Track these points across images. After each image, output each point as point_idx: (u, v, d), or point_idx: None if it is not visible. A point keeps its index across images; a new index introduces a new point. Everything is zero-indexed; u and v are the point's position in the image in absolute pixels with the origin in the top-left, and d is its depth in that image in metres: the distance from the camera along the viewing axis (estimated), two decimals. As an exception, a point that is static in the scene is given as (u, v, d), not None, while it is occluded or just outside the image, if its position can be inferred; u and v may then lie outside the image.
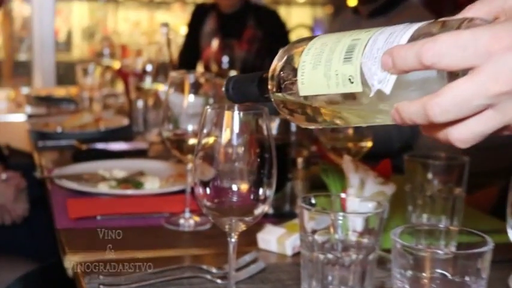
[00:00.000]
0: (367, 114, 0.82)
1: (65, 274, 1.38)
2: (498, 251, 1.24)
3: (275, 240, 1.41)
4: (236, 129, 1.06)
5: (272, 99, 0.90)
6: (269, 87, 0.90)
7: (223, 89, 1.00)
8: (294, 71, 0.85)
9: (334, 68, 0.79)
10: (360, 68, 0.77)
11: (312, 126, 0.91)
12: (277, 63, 0.89)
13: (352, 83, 0.77)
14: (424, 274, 0.86)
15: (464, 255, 0.86)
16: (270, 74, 0.90)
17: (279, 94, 0.88)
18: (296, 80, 0.84)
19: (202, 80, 1.60)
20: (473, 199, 2.13)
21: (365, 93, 0.77)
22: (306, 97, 0.84)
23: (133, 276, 1.25)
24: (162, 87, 2.51)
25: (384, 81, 0.74)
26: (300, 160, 1.66)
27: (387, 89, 0.74)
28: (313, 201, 1.09)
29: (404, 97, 0.74)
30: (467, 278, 0.85)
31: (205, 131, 1.08)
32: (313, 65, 0.82)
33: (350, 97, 0.79)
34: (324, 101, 0.83)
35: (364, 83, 0.76)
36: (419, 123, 0.74)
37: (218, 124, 1.07)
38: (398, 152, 2.66)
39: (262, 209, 1.07)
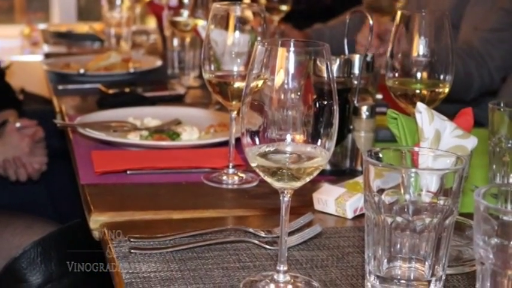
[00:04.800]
0: None
1: (89, 236, 1.40)
2: None
3: (333, 201, 1.41)
4: (291, 70, 1.06)
5: None
6: None
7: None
8: None
9: None
10: None
11: None
12: None
13: None
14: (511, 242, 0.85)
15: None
16: None
17: None
18: None
19: (249, 13, 1.59)
20: None
21: None
22: None
23: (168, 239, 1.27)
24: (201, 23, 2.51)
25: None
26: (364, 108, 1.65)
27: None
28: (380, 155, 1.08)
29: None
30: None
31: (254, 72, 1.07)
32: None
33: None
34: None
35: None
36: None
37: (270, 64, 1.06)
38: (474, 99, 2.67)
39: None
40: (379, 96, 2.00)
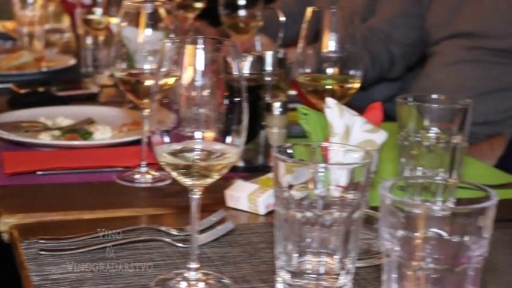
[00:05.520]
0: None
1: (-1, 239, 1.38)
2: (504, 208, 1.25)
3: (246, 197, 1.41)
4: (200, 67, 1.05)
5: None
6: None
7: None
8: None
9: None
10: None
11: None
12: None
13: None
14: (416, 234, 0.87)
15: (464, 211, 0.86)
16: None
17: None
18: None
19: (162, 11, 1.58)
20: (477, 149, 2.14)
21: None
22: None
23: (79, 240, 1.25)
24: (115, 21, 2.48)
25: None
26: (276, 105, 1.66)
27: None
28: (290, 151, 1.09)
29: None
30: (466, 238, 0.86)
31: (163, 69, 1.07)
32: None
33: None
34: None
35: None
36: None
37: (179, 61, 1.06)
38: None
39: (230, 160, 1.08)
40: (293, 92, 2.01)
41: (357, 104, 1.59)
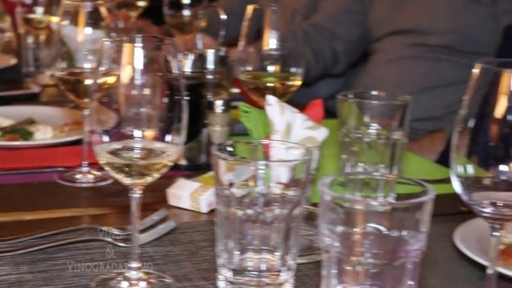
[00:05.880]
0: None
1: None
2: (443, 202, 1.27)
3: (188, 195, 1.41)
4: (139, 66, 1.05)
5: None
6: None
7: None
8: None
9: None
10: None
11: None
12: None
13: None
14: (355, 229, 0.87)
15: (401, 206, 0.87)
16: None
17: None
18: None
19: (103, 10, 1.57)
20: (418, 145, 2.17)
21: None
22: None
23: (18, 241, 1.23)
24: (56, 20, 2.46)
25: None
26: (218, 103, 1.65)
27: None
28: (230, 149, 1.09)
29: None
30: (404, 233, 0.87)
31: (102, 68, 1.06)
32: None
33: None
34: None
35: None
36: None
37: (117, 60, 1.05)
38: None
39: (169, 158, 1.07)
40: (236, 90, 2.01)
41: (300, 100, 1.59)
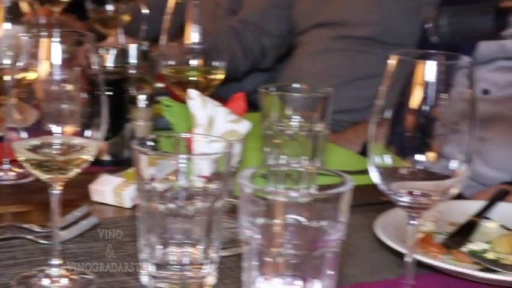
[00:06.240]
0: None
1: None
2: (364, 193, 1.29)
3: (111, 191, 1.40)
4: (57, 61, 1.04)
5: None
6: None
7: (427, 26, 0.96)
8: None
9: None
10: None
11: None
12: None
13: None
14: (275, 221, 0.88)
15: (320, 197, 0.88)
16: None
17: None
18: None
19: (23, 4, 1.55)
20: (342, 136, 2.19)
21: None
22: None
23: None
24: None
25: None
26: (140, 97, 1.65)
27: None
28: (151, 143, 1.09)
29: None
30: (323, 223, 0.88)
31: (19, 64, 1.05)
32: None
33: None
34: None
35: None
36: None
37: (35, 56, 1.04)
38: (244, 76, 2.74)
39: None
40: (161, 85, 2.00)
41: (226, 95, 1.60)
